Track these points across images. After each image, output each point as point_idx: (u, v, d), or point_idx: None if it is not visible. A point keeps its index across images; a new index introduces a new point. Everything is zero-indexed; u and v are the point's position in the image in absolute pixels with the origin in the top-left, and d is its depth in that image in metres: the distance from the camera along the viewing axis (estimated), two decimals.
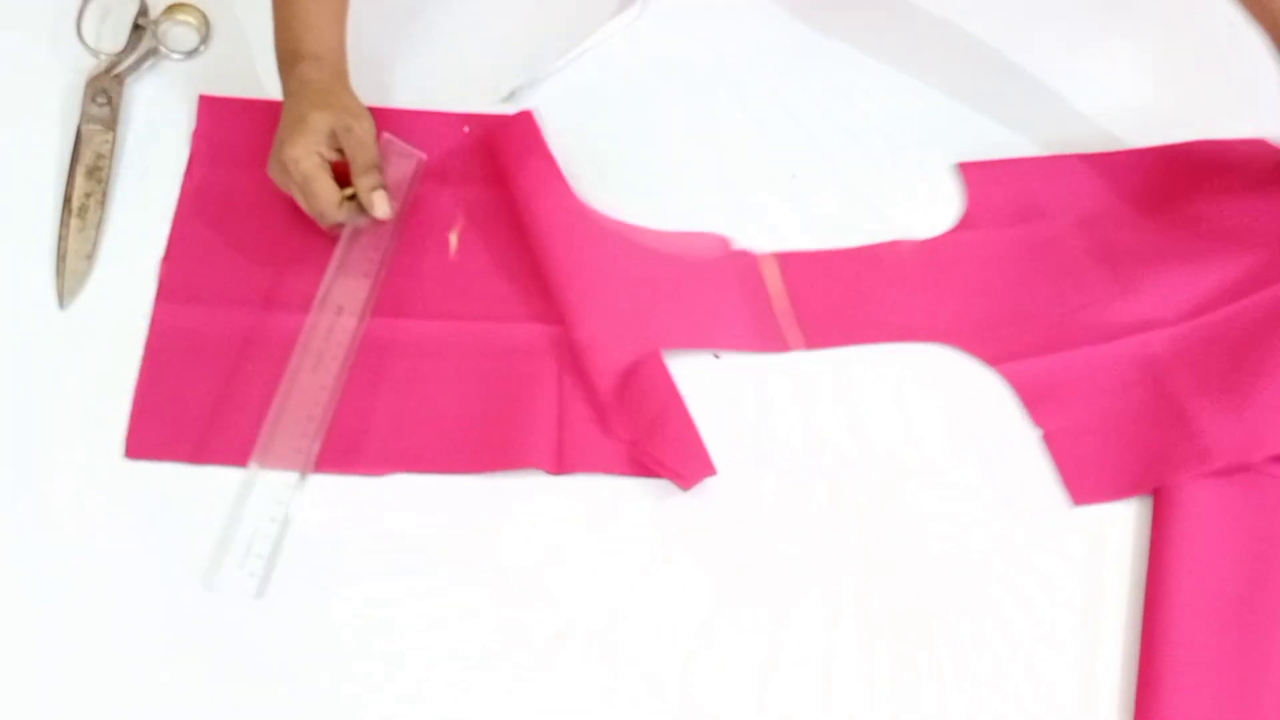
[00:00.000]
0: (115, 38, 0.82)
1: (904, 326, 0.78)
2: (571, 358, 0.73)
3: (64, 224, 0.75)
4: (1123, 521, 0.72)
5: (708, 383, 0.74)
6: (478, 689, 0.64)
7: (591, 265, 0.76)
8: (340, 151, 0.72)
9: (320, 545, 0.67)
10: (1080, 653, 0.68)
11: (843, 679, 0.66)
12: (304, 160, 0.70)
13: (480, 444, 0.70)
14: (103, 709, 0.62)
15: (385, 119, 0.77)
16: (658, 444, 0.70)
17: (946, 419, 0.75)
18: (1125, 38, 0.92)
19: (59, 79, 0.80)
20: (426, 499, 0.69)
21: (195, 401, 0.70)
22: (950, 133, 0.86)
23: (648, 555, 0.69)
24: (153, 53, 0.82)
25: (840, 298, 0.78)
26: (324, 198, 0.71)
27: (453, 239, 0.77)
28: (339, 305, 0.72)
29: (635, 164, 0.83)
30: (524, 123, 0.81)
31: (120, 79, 0.80)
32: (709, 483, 0.70)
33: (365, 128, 0.72)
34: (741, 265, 0.79)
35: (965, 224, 0.82)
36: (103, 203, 0.76)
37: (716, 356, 0.75)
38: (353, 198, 0.72)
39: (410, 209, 0.77)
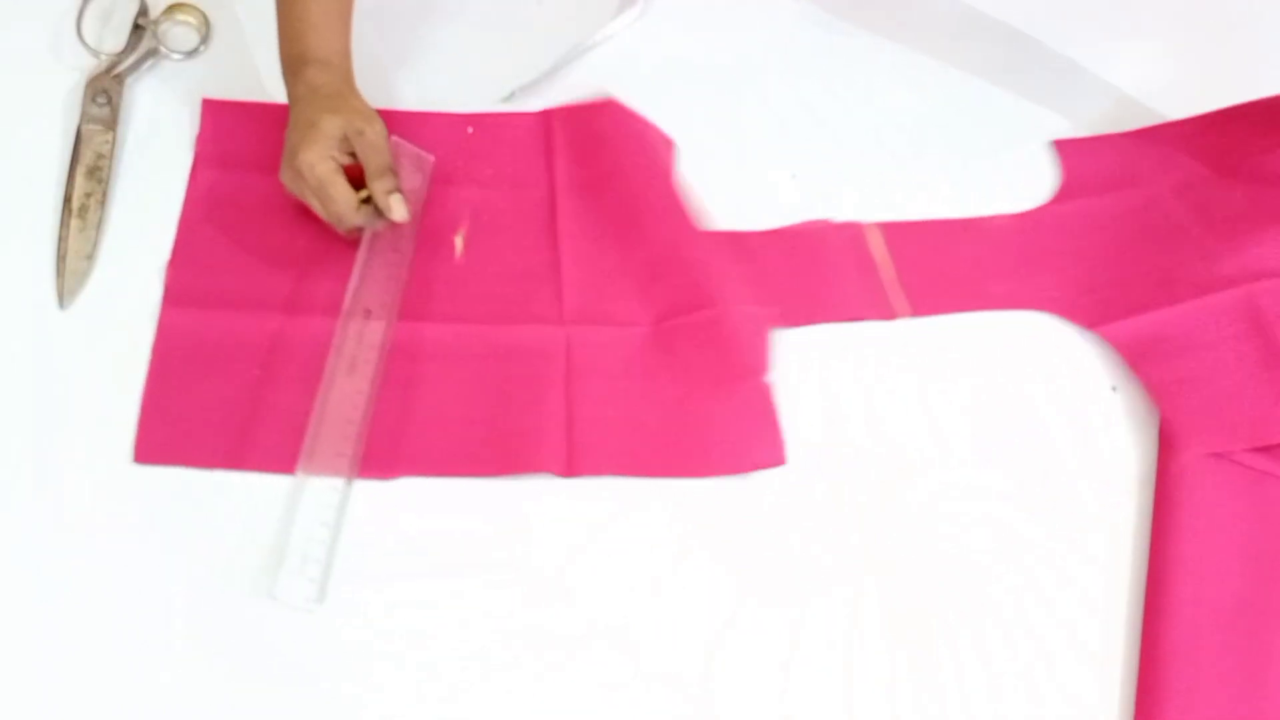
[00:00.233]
0: (115, 38, 0.82)
1: (1004, 295, 0.80)
2: (584, 357, 0.73)
3: (64, 224, 0.75)
4: (1130, 521, 0.72)
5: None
6: (499, 689, 0.64)
7: (704, 250, 0.78)
8: (352, 155, 0.72)
9: (338, 549, 0.67)
10: (1101, 652, 0.68)
11: (864, 678, 0.67)
12: (319, 165, 0.70)
13: (489, 448, 0.70)
14: (110, 710, 0.62)
15: (388, 120, 0.77)
16: (735, 423, 0.72)
17: (967, 414, 0.76)
18: (1150, 14, 0.94)
19: (59, 79, 0.80)
20: (444, 501, 0.69)
21: (204, 407, 0.69)
22: (971, 125, 0.87)
23: (668, 554, 0.69)
24: (153, 53, 0.82)
25: (941, 265, 0.80)
26: (341, 202, 0.71)
27: (458, 241, 0.77)
28: (366, 309, 0.72)
29: None
30: (615, 110, 0.81)
31: (120, 79, 0.80)
32: (729, 479, 0.71)
33: (377, 131, 0.72)
34: (848, 235, 0.80)
35: (1061, 197, 0.84)
36: (103, 203, 0.76)
37: None
38: (368, 200, 0.72)
39: (419, 211, 0.77)
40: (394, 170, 0.73)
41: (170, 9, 0.84)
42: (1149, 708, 0.66)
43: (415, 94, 0.83)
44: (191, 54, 0.83)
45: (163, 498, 0.67)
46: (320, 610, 0.65)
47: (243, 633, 0.64)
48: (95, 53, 0.81)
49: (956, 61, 0.91)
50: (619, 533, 0.69)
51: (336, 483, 0.67)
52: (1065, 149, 0.87)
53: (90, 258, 0.74)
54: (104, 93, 0.79)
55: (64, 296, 0.73)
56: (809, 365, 0.76)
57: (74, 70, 0.80)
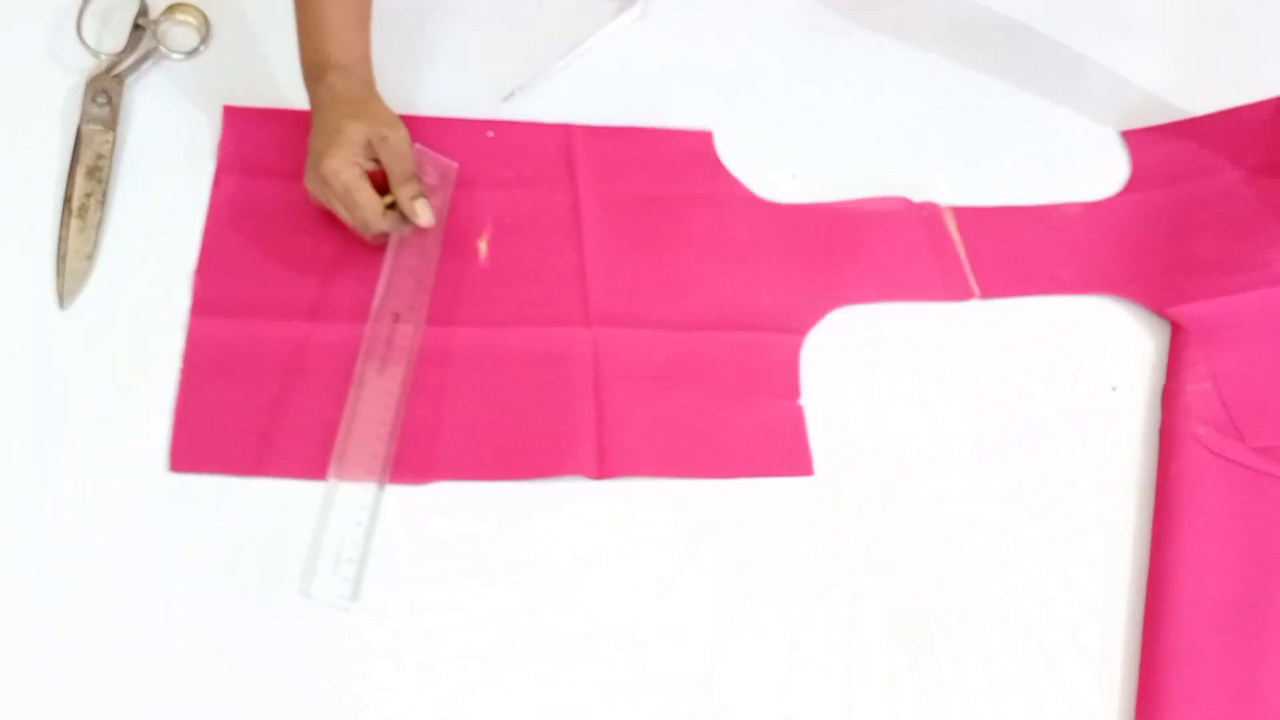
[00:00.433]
0: (115, 38, 0.82)
1: (1072, 280, 0.81)
2: (612, 359, 0.74)
3: (64, 224, 0.75)
4: (1130, 521, 0.72)
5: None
6: (504, 690, 0.64)
7: (764, 240, 0.79)
8: (376, 161, 0.72)
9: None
10: (1101, 652, 0.69)
11: (864, 678, 0.67)
12: (344, 171, 0.70)
13: (521, 451, 0.71)
14: (117, 710, 0.62)
15: (409, 126, 0.78)
16: (764, 430, 0.73)
17: (967, 414, 0.76)
18: (1152, 12, 0.95)
19: (59, 79, 0.80)
20: (449, 505, 0.69)
21: (235, 414, 0.70)
22: (971, 125, 0.88)
23: (673, 556, 0.69)
24: (153, 53, 0.82)
25: (1011, 250, 0.82)
26: (368, 208, 0.71)
27: (482, 246, 0.77)
28: (395, 313, 0.72)
29: None
30: (640, 136, 0.83)
31: (120, 79, 0.80)
32: (734, 482, 0.71)
33: (401, 136, 0.72)
34: (926, 215, 0.82)
35: (1132, 187, 0.86)
36: (103, 203, 0.76)
37: None
38: (392, 206, 0.73)
39: (444, 216, 0.77)
40: (418, 176, 0.73)
41: (170, 9, 0.83)
42: (1149, 708, 0.66)
43: (415, 94, 0.83)
44: (191, 54, 0.83)
45: (163, 498, 0.67)
46: (340, 613, 0.65)
47: (248, 634, 0.64)
48: (95, 53, 0.81)
49: (956, 61, 0.91)
50: (624, 536, 0.69)
51: (370, 485, 0.67)
52: (1133, 139, 0.88)
53: (90, 258, 0.74)
54: (104, 93, 0.79)
55: (64, 296, 0.73)
56: (809, 366, 0.76)
57: (74, 70, 0.80)
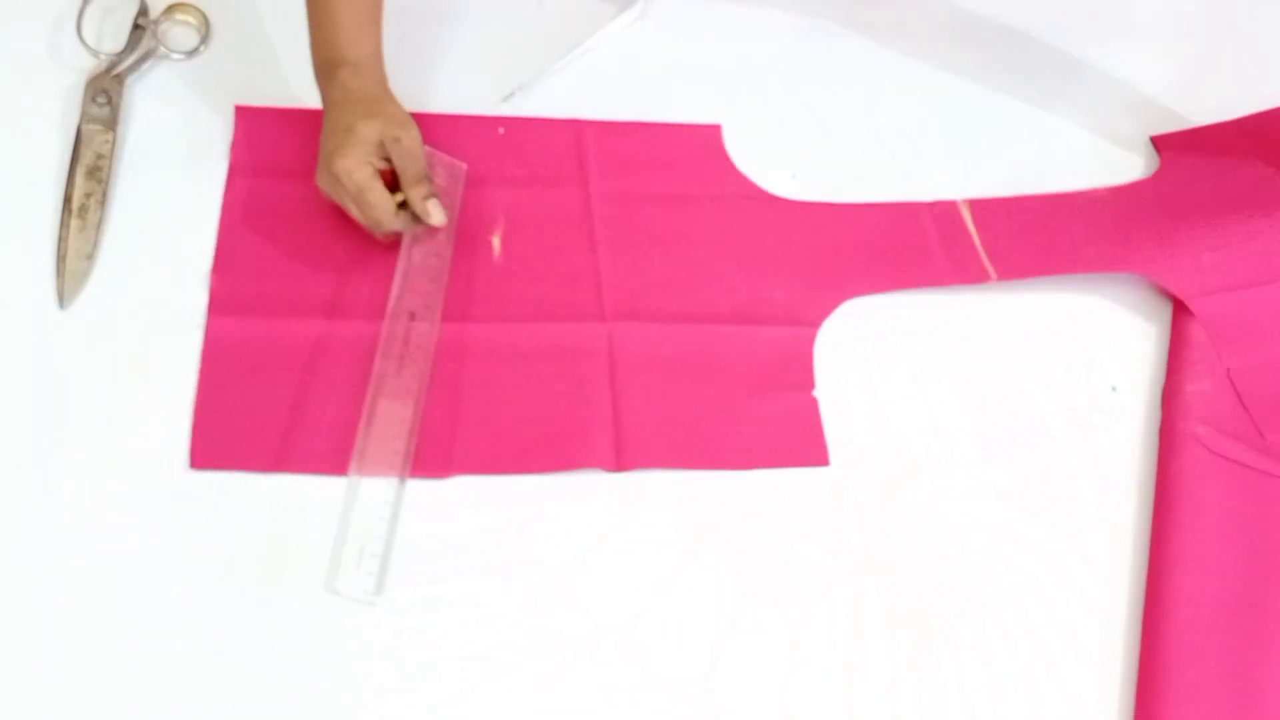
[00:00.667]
0: (115, 38, 0.82)
1: (1096, 257, 0.81)
2: (627, 352, 0.74)
3: (64, 224, 0.75)
4: (1130, 521, 0.72)
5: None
6: (505, 691, 0.65)
7: (778, 236, 0.80)
8: (388, 160, 0.72)
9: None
10: (1101, 652, 0.69)
11: (864, 678, 0.67)
12: (356, 172, 0.70)
13: (538, 445, 0.71)
14: (120, 707, 0.62)
15: (420, 123, 0.78)
16: (779, 421, 0.73)
17: (967, 414, 0.76)
18: (1150, 14, 0.95)
19: (59, 79, 0.80)
20: (449, 504, 0.69)
21: (254, 412, 0.70)
22: (971, 126, 0.88)
23: (673, 556, 0.69)
24: (153, 53, 0.82)
25: (1030, 231, 0.82)
26: (380, 208, 0.72)
27: (495, 242, 0.78)
28: (411, 311, 0.72)
29: None
30: (650, 131, 0.84)
31: (120, 79, 0.80)
32: (735, 481, 0.71)
33: (412, 137, 0.72)
34: (939, 210, 0.83)
35: (1159, 175, 0.86)
36: (103, 203, 0.76)
37: None
38: (403, 205, 0.73)
39: (455, 216, 0.78)
40: (429, 176, 0.73)
41: (170, 9, 0.83)
42: (1149, 708, 0.66)
43: (416, 94, 0.83)
44: (191, 54, 0.83)
45: (163, 498, 0.67)
46: (328, 612, 0.65)
47: (249, 634, 0.64)
48: (95, 53, 0.81)
49: (956, 63, 0.91)
50: (624, 536, 0.70)
51: (391, 480, 0.68)
52: (1163, 142, 0.88)
53: (90, 258, 0.74)
54: (104, 93, 0.79)
55: (64, 296, 0.73)
56: (818, 359, 0.76)
57: (74, 70, 0.80)
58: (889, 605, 0.69)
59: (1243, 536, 0.71)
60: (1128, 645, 0.69)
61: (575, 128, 0.83)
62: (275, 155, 0.79)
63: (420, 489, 0.69)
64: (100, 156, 0.77)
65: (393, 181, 0.73)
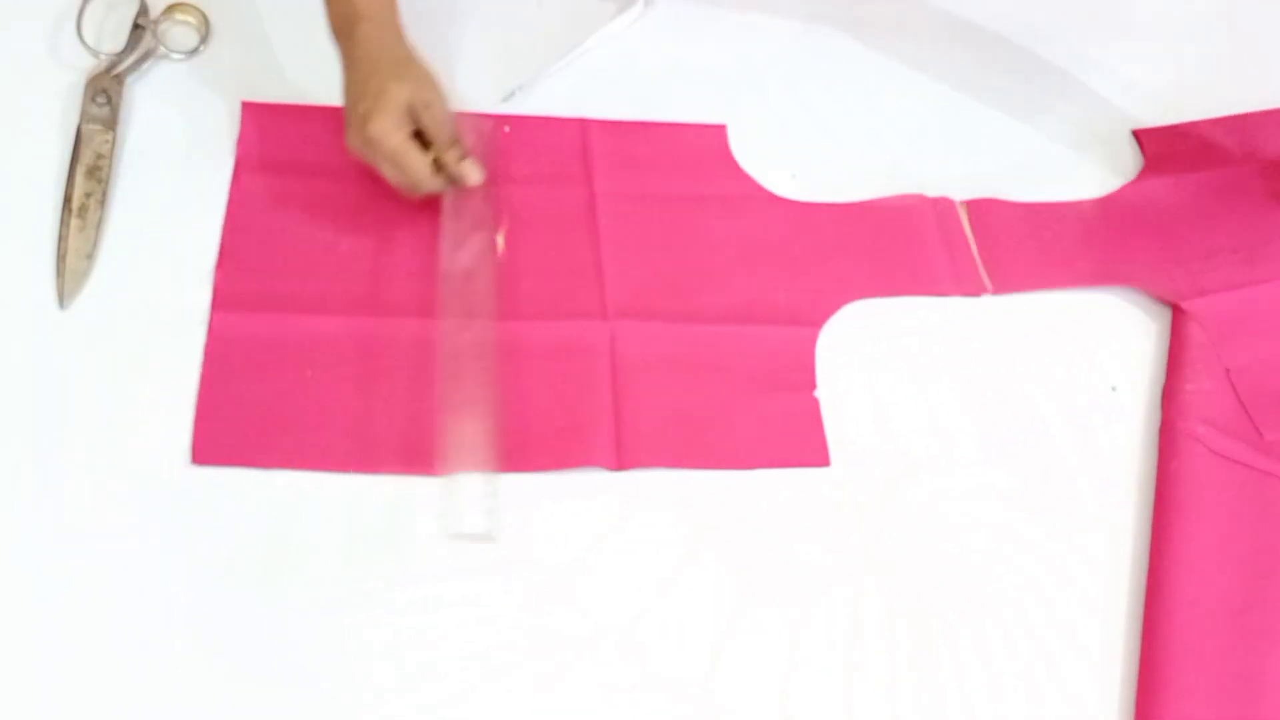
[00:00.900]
0: (115, 38, 0.82)
1: (1089, 271, 0.81)
2: (628, 350, 0.74)
3: (64, 224, 0.75)
4: (1130, 521, 0.72)
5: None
6: (505, 691, 0.64)
7: (780, 236, 0.80)
8: (418, 121, 0.73)
9: (363, 550, 0.67)
10: (1101, 652, 0.69)
11: (864, 678, 0.67)
12: (392, 135, 0.71)
13: (540, 443, 0.71)
14: (117, 707, 0.62)
15: None
16: (780, 421, 0.73)
17: (967, 414, 0.76)
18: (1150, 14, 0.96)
19: (59, 79, 0.80)
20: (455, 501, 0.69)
21: (257, 407, 0.70)
22: (971, 126, 0.88)
23: (673, 556, 0.69)
24: (153, 52, 0.82)
25: (1024, 244, 0.82)
26: (418, 170, 0.73)
27: (499, 240, 0.78)
28: (466, 270, 0.74)
29: None
30: (654, 131, 0.84)
31: (120, 79, 0.80)
32: (735, 481, 0.71)
33: (442, 101, 0.73)
34: (940, 210, 0.83)
35: (1144, 177, 0.86)
36: (103, 203, 0.76)
37: None
38: (436, 163, 0.74)
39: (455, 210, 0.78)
40: (460, 139, 0.74)
41: (170, 9, 0.83)
42: (1149, 708, 0.66)
43: None
44: (191, 54, 0.83)
45: (163, 498, 0.67)
46: (328, 612, 0.65)
47: (249, 634, 0.64)
48: (95, 52, 0.81)
49: (956, 63, 0.91)
50: (624, 535, 0.70)
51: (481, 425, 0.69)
52: (1146, 137, 0.88)
53: (90, 258, 0.74)
54: (104, 92, 0.79)
55: (64, 296, 0.73)
56: (819, 360, 0.76)
57: (74, 70, 0.80)
58: (889, 605, 0.69)
59: (1243, 536, 0.71)
60: (1128, 645, 0.69)
61: (581, 126, 0.83)
62: (282, 151, 0.79)
63: (420, 487, 0.69)
64: (100, 156, 0.77)
65: (422, 141, 0.74)
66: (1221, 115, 0.89)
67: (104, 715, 0.62)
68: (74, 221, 0.75)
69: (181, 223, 0.76)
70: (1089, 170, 0.87)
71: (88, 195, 0.76)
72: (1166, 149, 0.88)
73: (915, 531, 0.71)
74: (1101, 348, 0.80)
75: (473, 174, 0.75)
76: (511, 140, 0.82)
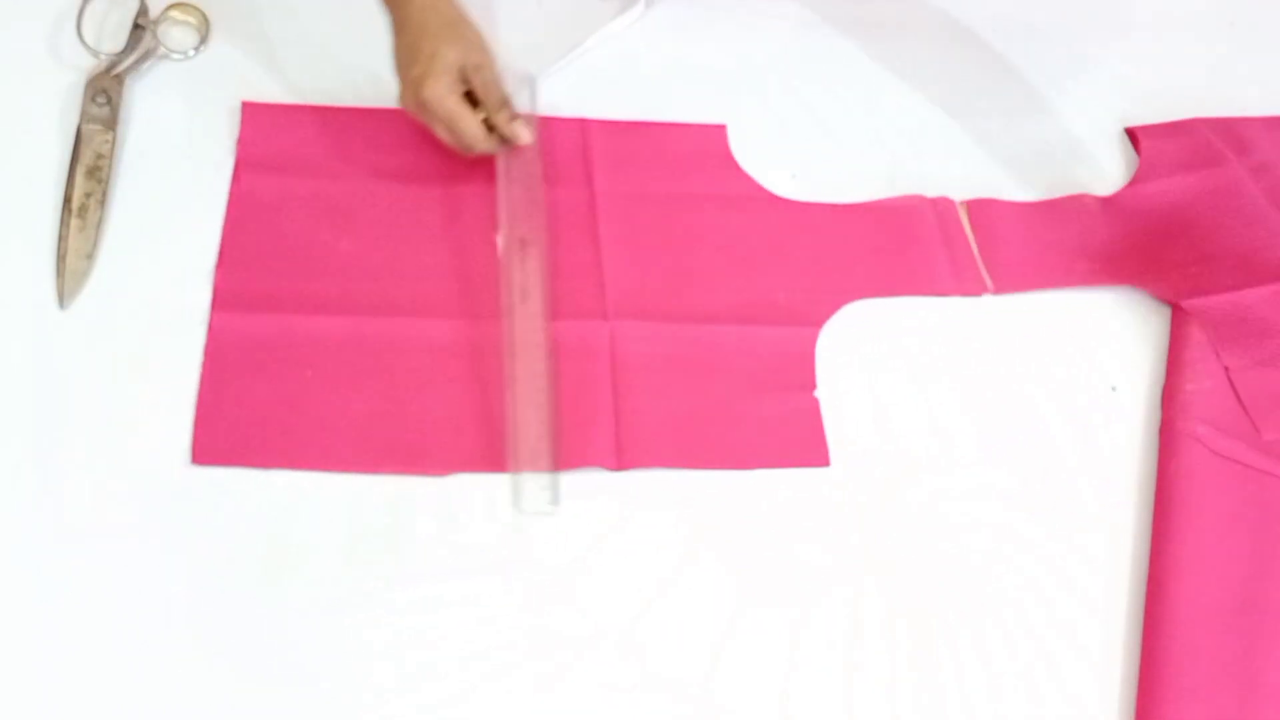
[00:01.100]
0: (115, 38, 0.82)
1: (1089, 270, 0.82)
2: (628, 350, 0.75)
3: (64, 224, 0.75)
4: (1130, 521, 0.72)
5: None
6: (505, 691, 0.64)
7: (779, 237, 0.80)
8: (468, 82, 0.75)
9: (363, 550, 0.67)
10: (1101, 652, 0.69)
11: (864, 678, 0.67)
12: (447, 99, 0.74)
13: None
14: (115, 708, 0.62)
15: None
16: (780, 421, 0.73)
17: (967, 414, 0.76)
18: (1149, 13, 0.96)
19: (59, 79, 0.80)
20: (449, 503, 0.69)
21: (258, 407, 0.70)
22: (970, 126, 0.88)
23: (673, 556, 0.69)
24: (153, 52, 0.82)
25: (1025, 244, 0.83)
26: (472, 132, 0.75)
27: (500, 238, 0.78)
28: (522, 239, 0.75)
29: None
30: (653, 131, 0.84)
31: (120, 79, 0.80)
32: (734, 481, 0.71)
33: (491, 63, 0.75)
34: (940, 210, 0.83)
35: (1140, 178, 0.86)
36: (103, 203, 0.76)
37: None
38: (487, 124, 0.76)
39: (456, 207, 0.79)
40: (509, 101, 0.77)
41: (170, 9, 0.83)
42: (1149, 708, 0.66)
43: None
44: (191, 54, 0.83)
45: (163, 498, 0.67)
46: (328, 612, 0.65)
47: (249, 634, 0.64)
48: (95, 53, 0.81)
49: (956, 63, 0.91)
50: (624, 535, 0.70)
51: (542, 402, 0.71)
52: (1142, 135, 0.89)
53: (90, 258, 0.74)
54: (104, 92, 0.79)
55: (64, 296, 0.73)
56: (819, 360, 0.76)
57: (74, 70, 0.80)
58: (889, 605, 0.69)
59: (1243, 536, 0.71)
60: (1128, 645, 0.69)
61: (581, 126, 0.84)
62: (282, 151, 0.79)
63: (420, 486, 0.69)
64: (100, 156, 0.77)
65: (473, 100, 0.76)
66: (1219, 116, 0.89)
67: (104, 715, 0.62)
68: (74, 221, 0.75)
69: (182, 223, 0.76)
70: (1088, 170, 0.87)
71: (88, 195, 0.76)
72: (1162, 147, 0.88)
73: (915, 531, 0.71)
74: (1101, 348, 0.80)
75: (524, 134, 0.77)
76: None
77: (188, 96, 0.81)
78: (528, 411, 0.71)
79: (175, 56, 0.83)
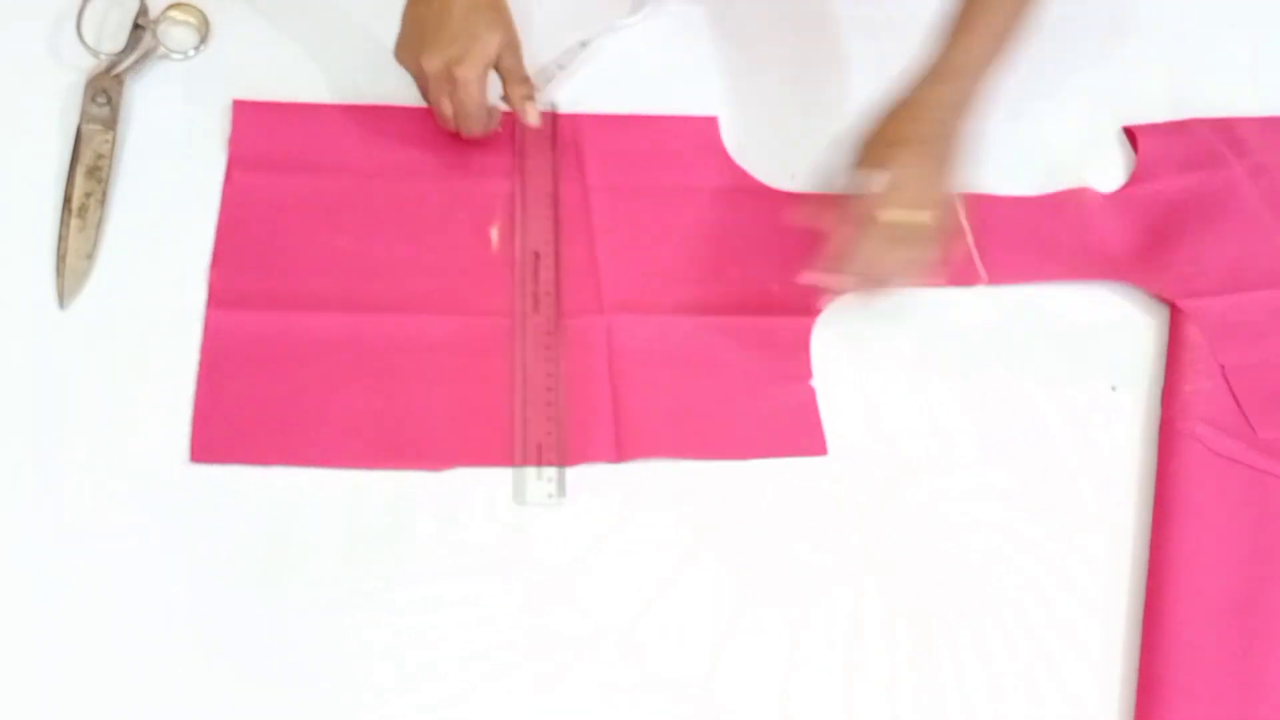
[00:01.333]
0: (115, 38, 0.82)
1: (1085, 265, 0.82)
2: (625, 344, 0.75)
3: (64, 224, 0.75)
4: (1130, 521, 0.72)
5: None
6: (505, 691, 0.64)
7: (774, 228, 0.79)
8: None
9: (363, 550, 0.67)
10: (1101, 652, 0.69)
11: (864, 678, 0.67)
12: (474, 84, 0.75)
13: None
14: (114, 708, 0.62)
15: (418, 118, 0.78)
16: (778, 411, 0.73)
17: (967, 414, 0.76)
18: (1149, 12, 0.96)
19: (59, 79, 0.80)
20: (449, 502, 0.69)
21: (256, 405, 0.70)
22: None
23: (672, 556, 0.69)
24: (153, 52, 0.82)
25: (1021, 236, 0.83)
26: (478, 117, 0.77)
27: (494, 234, 0.78)
28: (535, 251, 0.76)
29: None
30: (645, 124, 0.85)
31: (120, 79, 0.80)
32: (734, 481, 0.71)
33: (518, 42, 0.77)
34: None
35: (1137, 178, 0.86)
36: (103, 203, 0.76)
37: None
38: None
39: (451, 204, 0.79)
40: (529, 78, 0.78)
41: (170, 9, 0.83)
42: (1149, 708, 0.66)
43: (417, 92, 0.83)
44: (191, 54, 0.83)
45: (163, 498, 0.67)
46: (328, 612, 0.65)
47: (249, 634, 0.64)
48: (95, 53, 0.81)
49: None
50: (624, 535, 0.70)
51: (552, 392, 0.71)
52: (1140, 134, 0.88)
53: (90, 258, 0.74)
54: (104, 92, 0.79)
55: (64, 296, 0.73)
56: (813, 353, 0.76)
57: (74, 70, 0.80)
58: (889, 605, 0.69)
59: (1243, 536, 0.71)
60: (1128, 645, 0.69)
61: (572, 120, 0.83)
62: (274, 149, 0.79)
63: (420, 485, 0.69)
64: (100, 156, 0.77)
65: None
66: (1218, 116, 0.89)
67: (104, 715, 0.62)
68: (74, 221, 0.75)
69: (182, 222, 0.76)
70: (1087, 169, 0.87)
71: (88, 195, 0.76)
72: (1160, 147, 0.88)
73: (915, 531, 0.71)
74: (1101, 347, 0.80)
75: (532, 115, 0.78)
76: (505, 136, 0.82)
77: (187, 96, 0.81)
78: (536, 408, 0.71)
79: (175, 56, 0.83)
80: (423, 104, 0.81)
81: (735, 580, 0.69)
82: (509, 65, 0.77)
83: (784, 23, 0.91)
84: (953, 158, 0.72)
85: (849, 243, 0.71)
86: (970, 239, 0.81)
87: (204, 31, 0.84)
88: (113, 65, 0.80)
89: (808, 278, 0.73)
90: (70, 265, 0.73)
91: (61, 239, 0.74)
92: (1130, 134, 0.89)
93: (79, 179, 0.76)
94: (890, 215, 0.70)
